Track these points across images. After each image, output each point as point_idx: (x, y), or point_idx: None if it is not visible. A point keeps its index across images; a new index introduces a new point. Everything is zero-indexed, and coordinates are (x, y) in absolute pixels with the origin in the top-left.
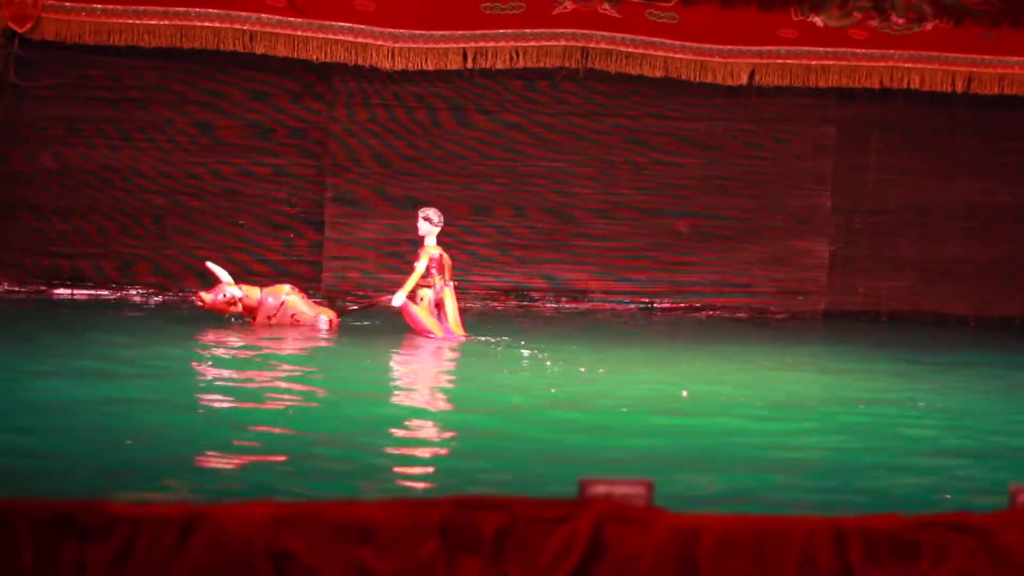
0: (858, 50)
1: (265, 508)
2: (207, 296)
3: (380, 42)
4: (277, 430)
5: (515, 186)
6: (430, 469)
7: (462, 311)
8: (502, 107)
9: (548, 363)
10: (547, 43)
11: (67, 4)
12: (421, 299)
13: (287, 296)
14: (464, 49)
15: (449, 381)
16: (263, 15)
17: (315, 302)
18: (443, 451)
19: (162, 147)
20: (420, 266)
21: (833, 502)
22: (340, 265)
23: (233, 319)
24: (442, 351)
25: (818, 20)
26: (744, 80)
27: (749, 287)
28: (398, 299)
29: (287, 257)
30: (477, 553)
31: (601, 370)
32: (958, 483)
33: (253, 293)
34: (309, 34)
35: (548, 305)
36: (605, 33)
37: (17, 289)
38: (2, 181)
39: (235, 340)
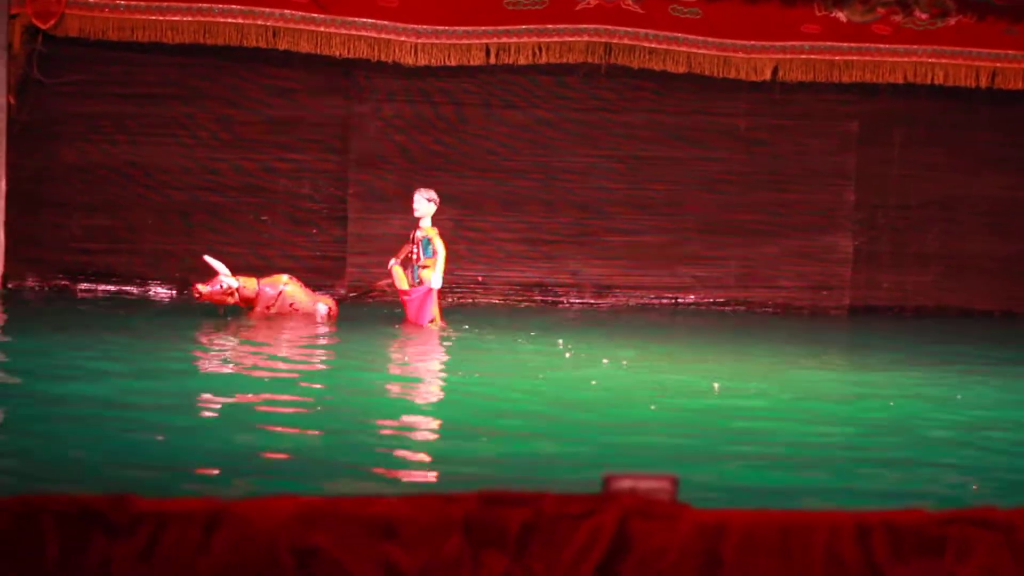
0: (882, 45)
1: (290, 503)
2: (204, 288)
3: (403, 38)
4: (292, 430)
5: (547, 181)
6: (453, 464)
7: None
8: (530, 103)
9: (568, 355)
10: (570, 39)
11: (90, 0)
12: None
13: (285, 285)
14: (487, 45)
15: (468, 373)
16: (286, 11)
17: (313, 291)
18: (467, 444)
19: (184, 143)
20: (441, 247)
21: (859, 497)
22: (364, 260)
23: (222, 311)
24: (451, 342)
25: (841, 15)
26: (768, 76)
27: (773, 282)
28: (436, 281)
29: (311, 252)
30: (502, 548)
31: (624, 362)
32: (986, 477)
33: (250, 284)
34: (332, 30)
35: (573, 301)
36: (628, 29)
37: (40, 285)
38: (25, 177)
39: (243, 334)
